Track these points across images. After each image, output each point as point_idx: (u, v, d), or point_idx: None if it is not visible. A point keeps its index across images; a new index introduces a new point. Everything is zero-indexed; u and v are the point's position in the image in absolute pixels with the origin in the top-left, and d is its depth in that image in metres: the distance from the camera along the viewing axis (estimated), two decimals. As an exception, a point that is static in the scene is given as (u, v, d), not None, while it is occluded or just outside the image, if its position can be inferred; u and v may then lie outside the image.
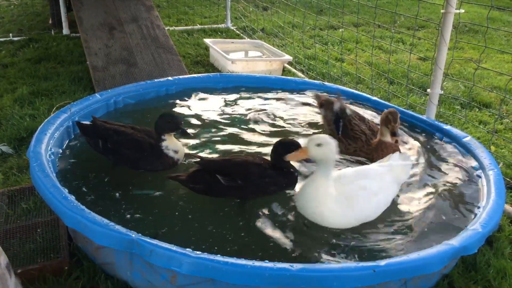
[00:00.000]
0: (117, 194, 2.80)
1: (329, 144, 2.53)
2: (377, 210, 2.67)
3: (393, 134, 3.18)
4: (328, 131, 3.50)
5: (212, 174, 2.71)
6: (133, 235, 2.18)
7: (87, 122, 3.17)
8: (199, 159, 2.80)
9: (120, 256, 2.31)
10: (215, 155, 3.28)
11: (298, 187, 2.79)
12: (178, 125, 2.96)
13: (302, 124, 3.86)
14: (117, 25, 5.78)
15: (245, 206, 2.74)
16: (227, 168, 2.72)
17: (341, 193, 2.57)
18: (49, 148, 3.02)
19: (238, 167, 2.71)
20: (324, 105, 3.71)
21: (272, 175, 2.75)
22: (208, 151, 3.35)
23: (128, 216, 2.61)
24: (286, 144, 2.76)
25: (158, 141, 2.99)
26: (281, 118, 3.94)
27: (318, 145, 2.53)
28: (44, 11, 8.32)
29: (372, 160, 3.22)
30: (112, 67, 5.05)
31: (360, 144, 3.34)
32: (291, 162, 2.81)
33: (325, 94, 3.80)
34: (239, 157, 2.85)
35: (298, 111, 4.09)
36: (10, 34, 6.85)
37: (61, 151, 3.21)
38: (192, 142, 3.45)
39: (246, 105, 4.17)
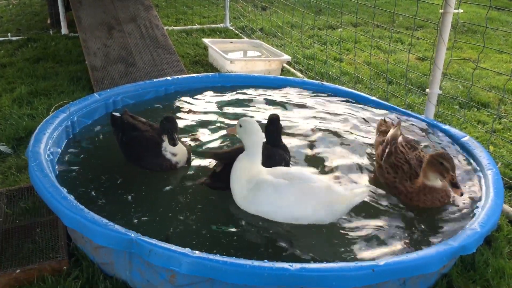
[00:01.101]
0: (118, 194, 2.80)
1: (247, 128, 2.63)
2: (279, 213, 2.56)
3: (455, 185, 2.64)
4: (376, 156, 3.21)
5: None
6: (132, 235, 2.18)
7: (118, 114, 3.23)
8: (217, 155, 2.88)
9: (119, 255, 2.31)
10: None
11: None
12: (168, 129, 2.93)
13: (300, 122, 3.86)
14: (116, 24, 5.78)
15: None
16: None
17: (257, 180, 2.60)
18: (47, 148, 3.02)
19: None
20: (381, 132, 3.36)
21: (277, 152, 2.90)
22: (206, 148, 3.35)
23: (131, 215, 2.60)
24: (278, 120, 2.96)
25: (161, 142, 3.02)
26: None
27: (240, 126, 2.66)
28: (42, 10, 8.31)
29: (410, 202, 2.82)
30: (111, 67, 5.05)
31: (400, 175, 2.89)
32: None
33: (388, 121, 3.44)
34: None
35: (296, 110, 4.09)
36: (9, 34, 6.84)
37: (59, 151, 3.21)
38: (191, 141, 3.45)
39: (245, 105, 4.17)
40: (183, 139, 3.35)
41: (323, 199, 2.53)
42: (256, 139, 2.64)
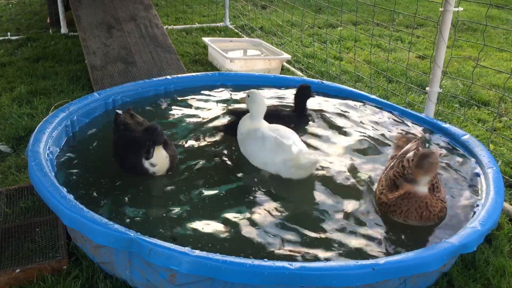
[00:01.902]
0: (117, 193, 2.80)
1: (252, 97, 3.15)
2: (256, 156, 3.09)
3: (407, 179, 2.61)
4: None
5: None
6: (132, 234, 2.18)
7: (121, 112, 3.19)
8: (232, 111, 3.68)
9: (119, 255, 2.31)
10: (212, 150, 3.29)
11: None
12: (147, 140, 2.79)
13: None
14: (115, 24, 5.77)
15: None
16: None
17: (255, 128, 3.12)
18: (47, 147, 3.01)
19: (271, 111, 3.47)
20: (398, 146, 3.26)
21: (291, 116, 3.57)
22: (207, 147, 3.35)
23: (131, 215, 2.60)
24: (307, 89, 3.60)
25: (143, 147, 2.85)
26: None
27: (248, 96, 3.18)
28: (42, 10, 8.31)
29: (388, 210, 2.70)
30: (110, 66, 5.04)
31: (390, 187, 2.76)
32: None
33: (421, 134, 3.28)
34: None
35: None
36: (8, 33, 6.84)
37: (59, 150, 3.20)
38: (191, 139, 3.45)
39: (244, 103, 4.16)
40: (174, 141, 3.31)
41: (284, 156, 2.91)
42: (259, 108, 3.15)
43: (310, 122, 3.72)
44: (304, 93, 3.60)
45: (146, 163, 2.88)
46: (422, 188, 2.62)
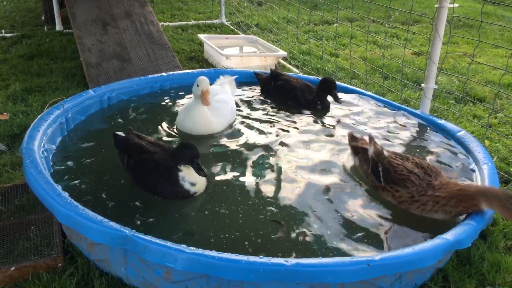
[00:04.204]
0: (112, 190, 2.79)
1: (204, 83, 3.39)
2: (233, 113, 3.74)
3: None
4: (370, 182, 2.92)
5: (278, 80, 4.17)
6: (127, 231, 2.17)
7: (122, 134, 2.97)
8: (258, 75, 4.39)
9: (114, 252, 2.30)
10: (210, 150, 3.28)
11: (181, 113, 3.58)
12: (193, 158, 2.63)
13: (296, 114, 3.86)
14: (110, 20, 5.75)
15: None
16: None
17: (212, 109, 3.48)
18: (42, 145, 3.00)
19: (307, 86, 4.10)
20: (358, 153, 3.08)
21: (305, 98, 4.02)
22: (205, 146, 3.34)
23: (127, 212, 2.60)
24: (328, 83, 3.91)
25: (176, 170, 2.71)
26: (276, 112, 3.94)
27: (197, 85, 3.38)
28: (36, 7, 8.27)
29: (439, 206, 2.60)
30: (105, 63, 5.03)
31: (413, 188, 2.65)
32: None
33: (359, 136, 3.23)
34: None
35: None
36: (3, 31, 6.80)
37: (54, 147, 3.19)
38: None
39: (241, 100, 4.16)
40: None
41: (229, 90, 3.95)
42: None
43: (319, 115, 3.93)
44: (322, 85, 3.92)
45: (187, 184, 2.70)
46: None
